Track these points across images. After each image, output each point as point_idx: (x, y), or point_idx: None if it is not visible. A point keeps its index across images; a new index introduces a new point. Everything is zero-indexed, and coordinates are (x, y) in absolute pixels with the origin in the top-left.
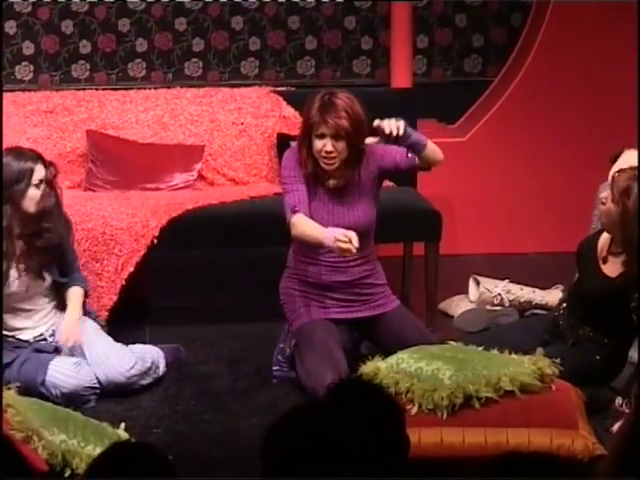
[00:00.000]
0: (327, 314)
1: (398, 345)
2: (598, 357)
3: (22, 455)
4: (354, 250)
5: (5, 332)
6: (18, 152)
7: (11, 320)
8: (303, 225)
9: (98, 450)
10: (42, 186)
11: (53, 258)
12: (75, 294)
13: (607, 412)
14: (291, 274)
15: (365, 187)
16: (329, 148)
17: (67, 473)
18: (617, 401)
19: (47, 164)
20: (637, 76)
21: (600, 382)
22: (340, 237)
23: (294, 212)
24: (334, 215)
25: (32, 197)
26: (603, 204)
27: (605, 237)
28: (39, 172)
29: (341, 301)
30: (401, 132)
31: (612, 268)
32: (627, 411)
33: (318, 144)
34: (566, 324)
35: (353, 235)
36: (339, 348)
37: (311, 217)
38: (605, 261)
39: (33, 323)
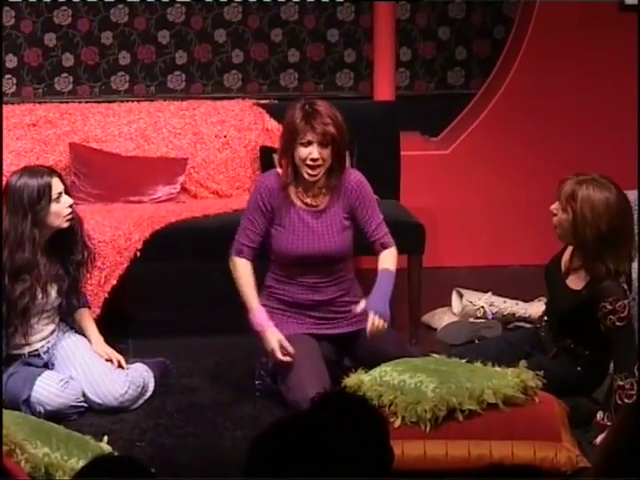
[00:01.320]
0: (307, 330)
1: (379, 359)
2: (579, 368)
3: (5, 468)
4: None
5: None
6: (32, 170)
7: (13, 337)
8: (241, 275)
9: (81, 463)
10: (62, 198)
11: (81, 275)
12: (88, 317)
13: (591, 424)
14: (269, 293)
15: (342, 212)
16: (315, 155)
17: None
18: (598, 415)
19: (60, 176)
20: (637, 76)
21: (582, 393)
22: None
23: (238, 253)
24: (310, 240)
25: (56, 212)
26: (555, 215)
27: (569, 252)
28: (56, 185)
29: (319, 319)
30: (384, 327)
31: (577, 281)
32: (609, 424)
33: (303, 152)
34: (547, 336)
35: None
36: (321, 361)
37: (286, 241)
38: (569, 274)
39: (32, 339)
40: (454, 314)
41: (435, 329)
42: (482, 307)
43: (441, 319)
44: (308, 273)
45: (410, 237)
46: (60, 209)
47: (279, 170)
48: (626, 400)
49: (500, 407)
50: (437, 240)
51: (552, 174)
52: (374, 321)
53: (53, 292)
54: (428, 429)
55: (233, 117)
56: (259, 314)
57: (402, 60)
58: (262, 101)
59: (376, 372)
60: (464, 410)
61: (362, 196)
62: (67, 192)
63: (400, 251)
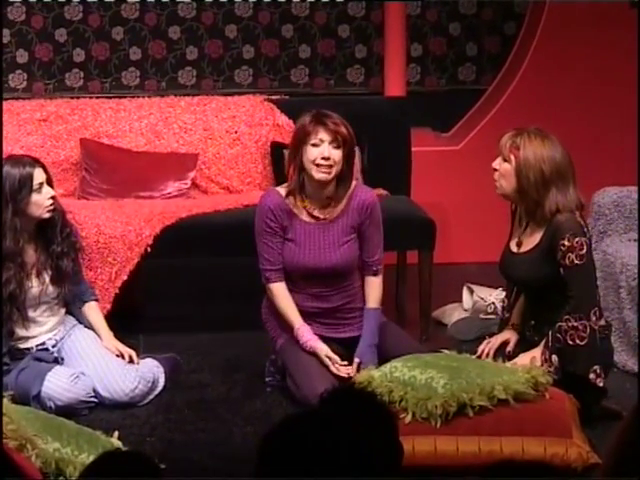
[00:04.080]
0: (313, 332)
1: (387, 357)
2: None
3: (16, 463)
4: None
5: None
6: (15, 160)
7: (16, 329)
8: (279, 300)
9: (92, 458)
10: (43, 189)
11: (65, 266)
12: (96, 311)
13: (601, 420)
14: None
15: (348, 227)
16: (327, 154)
17: None
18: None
19: (44, 167)
20: (637, 76)
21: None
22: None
23: (268, 280)
24: (317, 253)
25: (36, 202)
26: (496, 170)
27: (517, 233)
28: (38, 175)
29: (324, 324)
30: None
31: (527, 246)
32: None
33: (314, 152)
34: (532, 332)
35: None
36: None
37: (293, 254)
38: (521, 247)
39: (37, 332)
40: (465, 310)
41: (446, 325)
42: (493, 303)
43: (452, 315)
44: (314, 284)
45: (421, 233)
46: (41, 200)
47: (278, 189)
48: (577, 341)
49: (511, 403)
50: (448, 236)
51: None
52: (360, 370)
53: (47, 281)
54: (438, 425)
55: (244, 113)
56: (304, 331)
57: (413, 56)
58: (273, 97)
59: (386, 368)
60: (474, 406)
61: (372, 217)
62: (50, 183)
63: (411, 247)
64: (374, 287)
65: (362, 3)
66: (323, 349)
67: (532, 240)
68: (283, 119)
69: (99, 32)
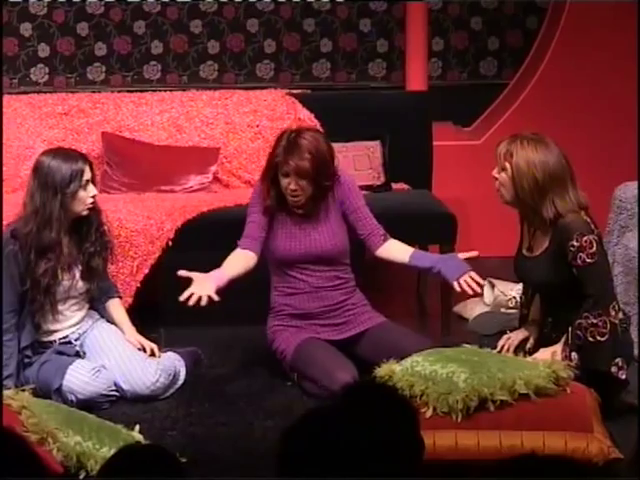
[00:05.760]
0: (318, 335)
1: (396, 354)
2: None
3: (37, 457)
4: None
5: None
6: (65, 153)
7: (43, 322)
8: (232, 256)
9: (113, 452)
10: (89, 186)
11: (96, 264)
12: (119, 307)
13: (622, 415)
14: (276, 312)
15: (332, 214)
16: (293, 187)
17: (82, 475)
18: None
19: (91, 165)
20: (637, 77)
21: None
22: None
23: (238, 245)
24: (300, 241)
25: (81, 198)
26: (496, 179)
27: (526, 237)
28: (88, 172)
29: (328, 325)
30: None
31: (538, 250)
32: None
33: (284, 182)
34: (550, 329)
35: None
36: (340, 353)
37: (284, 244)
38: (531, 249)
39: (62, 326)
40: (486, 305)
41: (467, 319)
42: (514, 297)
43: (473, 310)
44: (310, 278)
45: (442, 227)
46: (85, 196)
47: None
48: (598, 338)
49: (532, 398)
50: (469, 230)
51: (585, 164)
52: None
53: (77, 276)
54: (459, 419)
55: (265, 107)
56: (215, 270)
57: (434, 50)
58: (294, 91)
59: (407, 362)
60: (495, 400)
61: (352, 192)
62: (93, 182)
63: (432, 241)
64: (395, 245)
65: None
66: (207, 281)
67: (541, 243)
68: (305, 113)
69: (121, 26)
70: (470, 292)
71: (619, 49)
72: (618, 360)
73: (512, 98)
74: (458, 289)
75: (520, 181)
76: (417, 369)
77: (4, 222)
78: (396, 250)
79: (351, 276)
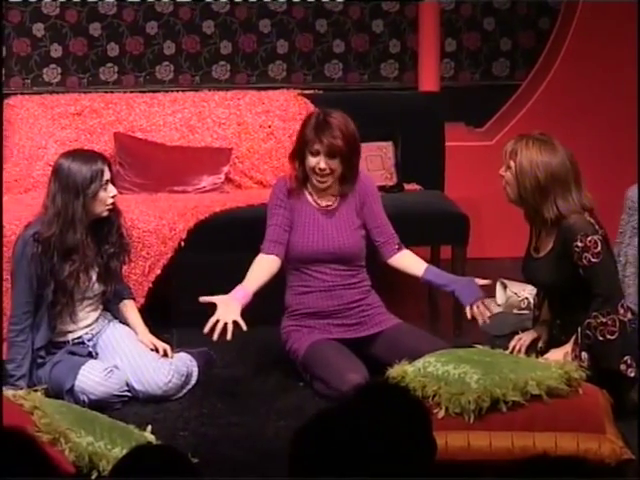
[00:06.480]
0: (331, 335)
1: (412, 356)
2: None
3: (49, 457)
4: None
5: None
6: (84, 155)
7: (60, 323)
8: (251, 267)
9: (125, 452)
10: (109, 187)
11: (114, 266)
12: (133, 308)
13: (634, 415)
14: (290, 312)
15: (351, 213)
16: (322, 165)
17: (94, 475)
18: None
19: (110, 165)
20: (637, 77)
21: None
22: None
23: (261, 250)
24: (317, 238)
25: (101, 198)
26: (502, 177)
27: (534, 238)
28: (107, 172)
29: (341, 325)
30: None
31: (543, 251)
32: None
33: (312, 161)
34: (558, 330)
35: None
36: (352, 354)
37: (300, 240)
38: (538, 250)
39: (76, 327)
40: (498, 305)
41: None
42: (526, 298)
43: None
44: (325, 276)
45: (454, 228)
46: (105, 197)
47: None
48: (608, 337)
49: (544, 398)
50: (481, 231)
51: (597, 165)
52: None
53: (94, 278)
54: (472, 420)
55: (278, 107)
56: (237, 287)
57: (447, 51)
58: (307, 91)
59: (420, 363)
60: (508, 401)
61: (373, 195)
62: (112, 182)
63: (444, 242)
64: (409, 256)
65: None
66: (231, 307)
67: (546, 244)
68: None
69: (133, 26)
70: (479, 319)
71: (632, 50)
72: (627, 358)
73: (524, 99)
74: (469, 315)
75: (523, 180)
76: (429, 370)
77: (21, 222)
78: (409, 262)
79: (366, 277)
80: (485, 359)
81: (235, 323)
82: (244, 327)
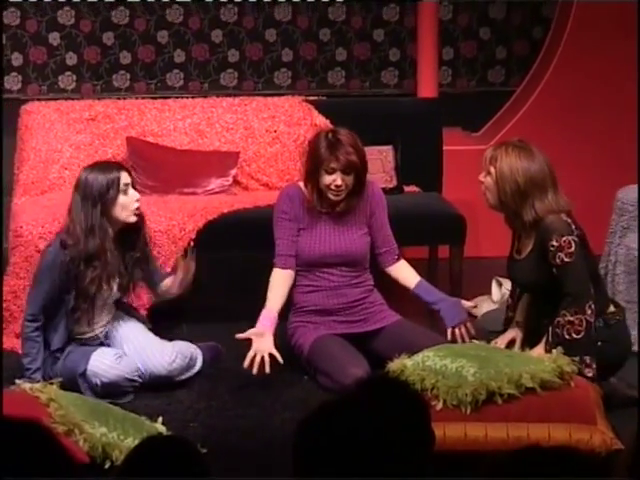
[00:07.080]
0: (335, 331)
1: (412, 351)
2: (599, 343)
3: (64, 447)
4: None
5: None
6: (101, 165)
7: (76, 327)
8: (271, 284)
9: (137, 443)
10: (130, 191)
11: (137, 273)
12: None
13: (625, 408)
14: (296, 309)
15: (359, 220)
16: (339, 182)
17: (107, 465)
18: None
19: (129, 172)
20: (637, 77)
21: (610, 369)
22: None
23: (274, 264)
24: (324, 243)
25: (123, 203)
26: (482, 183)
27: (516, 242)
28: (125, 177)
29: (345, 322)
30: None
31: (524, 252)
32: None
33: (327, 179)
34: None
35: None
36: (355, 350)
37: (308, 243)
38: (520, 252)
39: (91, 329)
40: (494, 302)
41: (475, 317)
42: None
43: (481, 307)
44: (331, 277)
45: (452, 228)
46: (127, 202)
47: (300, 183)
48: (574, 335)
49: (537, 391)
50: (477, 231)
51: (589, 168)
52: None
53: (115, 287)
54: (468, 412)
55: (283, 113)
56: (263, 314)
57: (445, 59)
58: (311, 98)
59: (419, 357)
60: (503, 394)
61: (381, 206)
62: (134, 187)
63: (442, 242)
64: (405, 267)
65: (396, 8)
66: (266, 342)
67: (527, 245)
68: (320, 119)
69: (145, 36)
70: (460, 342)
71: (622, 57)
72: (586, 358)
73: (519, 105)
74: (449, 337)
75: (503, 185)
76: (428, 364)
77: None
78: (405, 274)
79: (369, 277)
80: (481, 353)
81: (271, 355)
82: (280, 360)
